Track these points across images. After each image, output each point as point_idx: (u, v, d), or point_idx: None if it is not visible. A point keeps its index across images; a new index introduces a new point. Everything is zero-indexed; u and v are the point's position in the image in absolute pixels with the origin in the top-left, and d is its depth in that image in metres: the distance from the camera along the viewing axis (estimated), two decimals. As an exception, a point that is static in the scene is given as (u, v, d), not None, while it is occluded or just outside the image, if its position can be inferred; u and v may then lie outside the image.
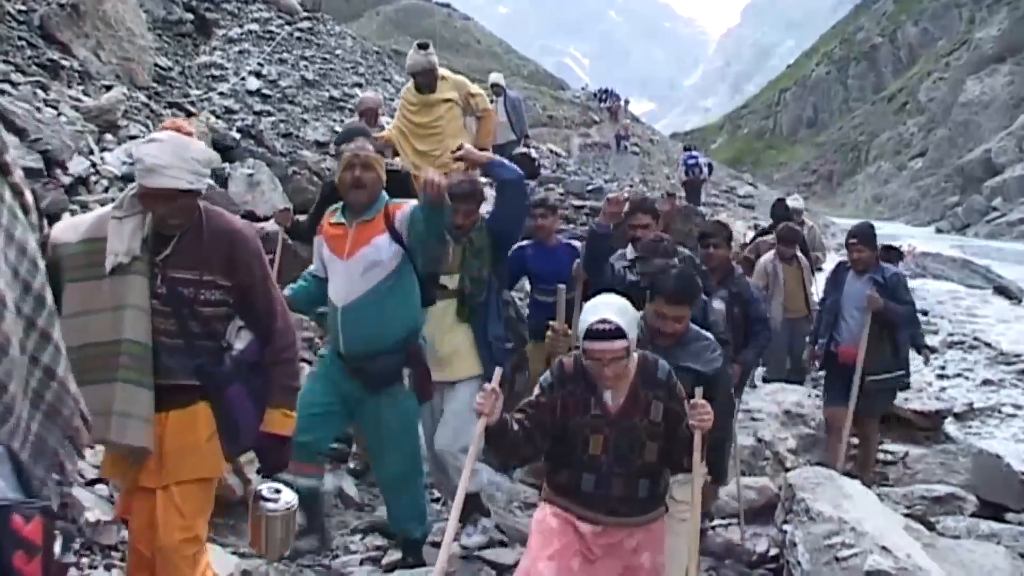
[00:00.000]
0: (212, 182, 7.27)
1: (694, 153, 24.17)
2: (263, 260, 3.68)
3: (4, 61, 8.22)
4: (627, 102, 50.85)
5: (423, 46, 8.48)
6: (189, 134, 3.59)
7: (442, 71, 8.69)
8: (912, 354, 8.29)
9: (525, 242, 6.90)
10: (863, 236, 7.83)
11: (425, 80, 8.56)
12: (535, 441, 3.86)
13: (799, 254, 10.40)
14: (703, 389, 3.86)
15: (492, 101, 15.01)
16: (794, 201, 12.62)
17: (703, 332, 4.70)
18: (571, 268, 6.50)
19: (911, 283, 9.20)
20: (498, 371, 3.82)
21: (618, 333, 3.69)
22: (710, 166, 25.60)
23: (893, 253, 9.80)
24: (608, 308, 3.77)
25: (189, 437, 3.57)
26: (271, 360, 3.72)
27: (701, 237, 7.21)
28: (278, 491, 4.03)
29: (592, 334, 3.71)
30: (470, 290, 5.57)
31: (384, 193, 4.99)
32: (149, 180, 3.42)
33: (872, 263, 7.79)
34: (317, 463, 5.24)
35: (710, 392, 4.21)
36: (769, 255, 10.37)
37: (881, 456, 8.90)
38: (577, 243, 6.94)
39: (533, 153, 15.07)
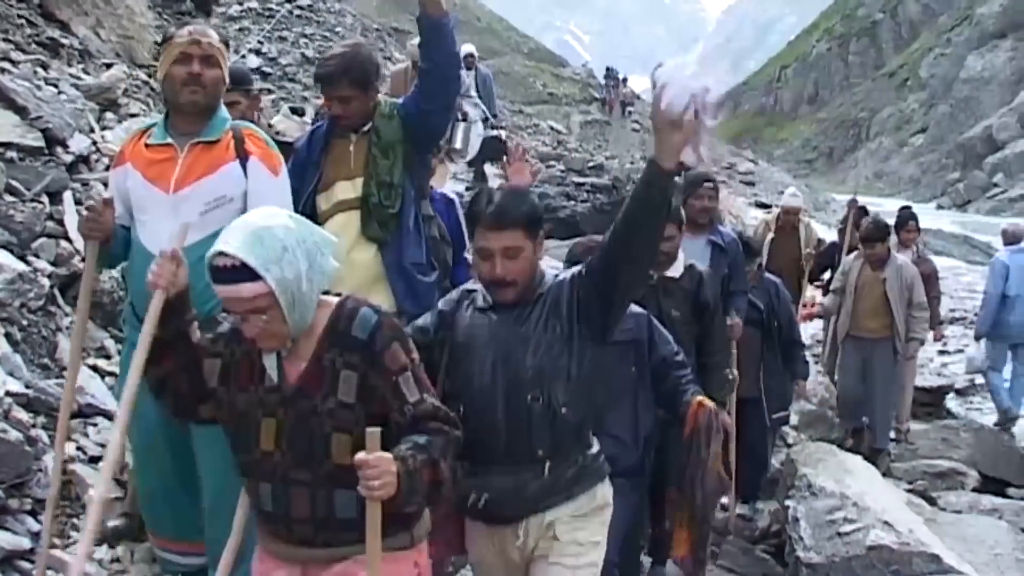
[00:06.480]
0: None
1: None
2: None
3: (4, 39, 8.19)
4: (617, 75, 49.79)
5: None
6: None
7: None
8: None
9: None
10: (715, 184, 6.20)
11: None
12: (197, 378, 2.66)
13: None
14: (373, 435, 2.30)
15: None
16: (793, 198, 9.96)
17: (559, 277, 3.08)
18: (452, 219, 5.16)
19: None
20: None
21: (244, 274, 2.35)
22: None
23: (906, 212, 9.77)
24: (236, 233, 2.40)
25: None
26: None
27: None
28: None
29: (211, 270, 2.41)
30: (379, 199, 4.14)
31: (224, 108, 3.86)
32: None
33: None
34: (190, 539, 3.76)
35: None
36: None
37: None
38: (454, 196, 5.36)
39: (503, 135, 14.91)
